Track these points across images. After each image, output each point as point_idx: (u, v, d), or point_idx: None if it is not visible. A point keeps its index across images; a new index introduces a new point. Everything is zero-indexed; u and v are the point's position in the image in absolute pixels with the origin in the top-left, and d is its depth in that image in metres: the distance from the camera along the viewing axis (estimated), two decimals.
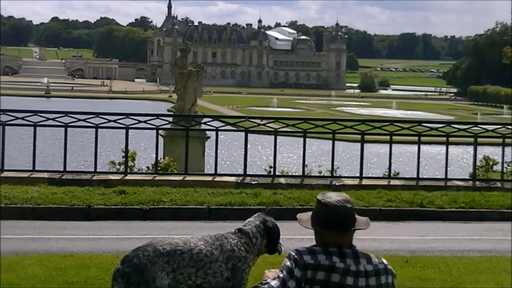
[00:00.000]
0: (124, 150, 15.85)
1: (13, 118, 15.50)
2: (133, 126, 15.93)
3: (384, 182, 15.76)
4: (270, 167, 16.55)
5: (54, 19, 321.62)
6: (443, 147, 17.51)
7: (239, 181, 15.30)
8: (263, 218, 4.67)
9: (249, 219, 4.69)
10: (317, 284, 4.06)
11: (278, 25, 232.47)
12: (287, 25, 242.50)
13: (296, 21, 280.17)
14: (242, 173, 15.90)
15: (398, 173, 17.28)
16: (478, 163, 17.22)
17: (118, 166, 16.12)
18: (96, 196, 13.51)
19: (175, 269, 4.26)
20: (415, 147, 16.76)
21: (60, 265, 9.21)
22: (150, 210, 13.04)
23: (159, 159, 16.56)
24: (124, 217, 12.80)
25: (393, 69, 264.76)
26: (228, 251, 4.38)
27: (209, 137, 21.55)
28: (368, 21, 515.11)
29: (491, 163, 17.28)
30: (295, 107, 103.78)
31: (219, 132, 16.41)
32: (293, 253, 4.09)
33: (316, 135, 21.57)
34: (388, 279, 4.24)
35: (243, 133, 16.71)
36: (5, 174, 14.93)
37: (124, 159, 15.90)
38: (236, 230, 4.58)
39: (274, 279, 4.04)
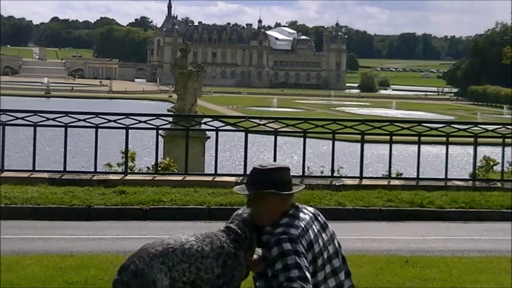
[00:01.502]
0: (123, 151, 15.88)
1: (13, 118, 15.50)
2: (133, 126, 15.94)
3: (384, 182, 15.76)
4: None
5: (54, 19, 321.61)
6: (443, 147, 17.51)
7: (239, 181, 15.29)
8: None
9: (237, 212, 4.59)
10: (313, 243, 4.06)
11: (278, 25, 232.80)
12: (287, 25, 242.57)
13: (296, 21, 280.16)
14: (242, 173, 15.90)
15: (401, 174, 17.26)
16: (478, 163, 17.22)
17: (116, 168, 16.11)
18: (96, 196, 13.51)
19: (171, 267, 4.25)
20: (415, 147, 16.77)
21: (60, 265, 9.21)
22: (150, 210, 13.04)
23: (159, 159, 16.57)
24: (124, 217, 12.80)
25: (393, 69, 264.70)
26: (218, 247, 4.32)
27: (209, 137, 21.54)
28: (367, 21, 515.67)
29: (491, 163, 17.26)
30: (295, 107, 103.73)
31: (219, 132, 16.42)
32: (283, 236, 3.98)
33: (316, 135, 21.56)
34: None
35: (243, 133, 16.72)
36: (5, 174, 14.92)
37: (122, 159, 15.92)
38: (225, 228, 4.54)
39: (287, 269, 3.90)
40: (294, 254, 3.93)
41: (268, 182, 4.15)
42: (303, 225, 4.07)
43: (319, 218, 4.20)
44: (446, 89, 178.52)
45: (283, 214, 4.12)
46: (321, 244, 4.10)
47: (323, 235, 4.14)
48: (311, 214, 4.17)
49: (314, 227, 4.12)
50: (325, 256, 4.10)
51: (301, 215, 4.13)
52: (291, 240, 3.97)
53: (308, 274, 3.90)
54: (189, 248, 4.30)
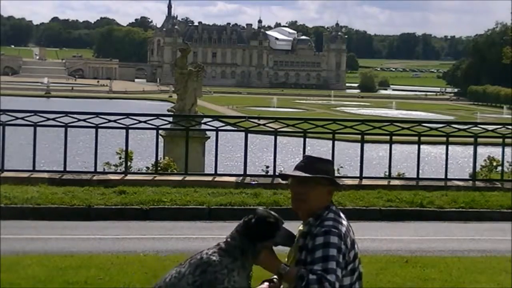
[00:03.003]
0: (120, 151, 15.88)
1: (13, 118, 15.50)
2: (133, 126, 15.94)
3: (384, 182, 15.76)
4: (267, 167, 16.57)
5: (54, 19, 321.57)
6: (443, 147, 17.51)
7: (239, 181, 15.30)
8: (249, 216, 4.28)
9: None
10: (355, 243, 4.12)
11: (278, 25, 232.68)
12: (287, 25, 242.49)
13: (296, 21, 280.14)
14: (242, 173, 15.90)
15: (403, 174, 17.23)
16: (482, 163, 17.21)
17: (114, 167, 16.09)
18: (96, 196, 13.50)
19: None
20: (415, 147, 16.77)
21: (60, 265, 9.21)
22: (150, 210, 13.04)
23: (159, 159, 16.57)
24: (124, 217, 12.80)
25: (393, 69, 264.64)
26: (196, 260, 4.18)
27: (209, 137, 21.55)
28: (367, 21, 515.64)
29: (494, 163, 17.23)
30: (295, 107, 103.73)
31: (219, 132, 16.42)
32: (333, 229, 4.03)
33: (316, 135, 21.58)
34: None
35: (243, 133, 16.72)
36: (5, 174, 14.92)
37: (119, 160, 15.92)
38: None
39: (326, 260, 3.94)
40: (337, 249, 3.98)
41: (323, 170, 4.21)
42: (346, 224, 4.15)
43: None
44: (449, 89, 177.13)
45: (325, 209, 4.16)
46: (357, 245, 4.17)
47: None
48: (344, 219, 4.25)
49: (350, 228, 4.18)
50: (358, 257, 4.16)
51: (342, 215, 4.20)
52: (339, 236, 4.02)
53: (340, 272, 3.96)
54: (170, 279, 4.20)
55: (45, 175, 15.03)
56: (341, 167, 16.95)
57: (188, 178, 15.21)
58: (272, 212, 4.27)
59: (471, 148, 17.19)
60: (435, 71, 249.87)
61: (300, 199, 4.22)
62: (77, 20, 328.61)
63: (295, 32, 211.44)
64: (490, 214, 13.93)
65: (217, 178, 15.44)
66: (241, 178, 15.54)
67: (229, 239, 4.23)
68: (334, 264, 3.92)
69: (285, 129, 16.89)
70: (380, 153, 40.06)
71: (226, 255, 4.16)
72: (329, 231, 4.02)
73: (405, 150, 37.87)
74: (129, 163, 15.96)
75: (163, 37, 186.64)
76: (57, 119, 15.66)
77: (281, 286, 4.31)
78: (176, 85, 23.42)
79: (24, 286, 8.31)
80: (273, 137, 16.37)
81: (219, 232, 12.42)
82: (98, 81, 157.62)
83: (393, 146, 16.80)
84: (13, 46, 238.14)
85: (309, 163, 4.24)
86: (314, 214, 4.16)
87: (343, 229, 4.07)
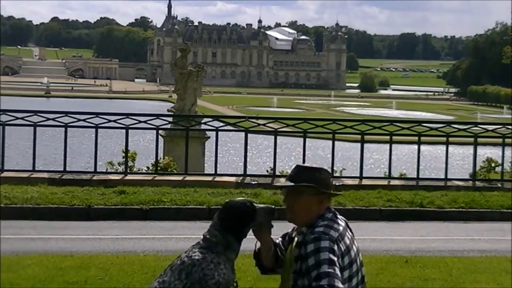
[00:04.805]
0: (124, 150, 15.87)
1: (13, 118, 15.52)
2: (133, 126, 15.94)
3: (384, 182, 15.76)
4: (271, 168, 16.55)
5: (54, 19, 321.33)
6: (443, 147, 17.52)
7: (239, 181, 15.31)
8: (222, 211, 4.29)
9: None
10: (350, 249, 4.09)
11: (278, 25, 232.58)
12: (287, 25, 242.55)
13: (296, 21, 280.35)
14: (242, 173, 15.90)
15: (404, 174, 17.22)
16: (481, 164, 17.22)
17: (117, 167, 16.11)
18: (96, 196, 13.51)
19: None
20: (415, 147, 16.77)
21: (60, 265, 9.22)
22: (150, 210, 13.05)
23: (159, 159, 16.57)
24: (124, 217, 12.81)
25: (393, 69, 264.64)
26: (177, 266, 4.17)
27: (209, 137, 21.55)
28: (367, 21, 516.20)
29: (493, 164, 17.23)
30: (295, 107, 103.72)
31: (219, 132, 16.43)
32: (322, 235, 4.00)
33: (316, 135, 21.57)
34: None
35: (243, 133, 16.72)
36: (5, 174, 14.93)
37: (123, 160, 15.92)
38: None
39: (319, 265, 3.91)
40: (328, 252, 3.95)
41: (309, 179, 4.17)
42: (341, 229, 4.12)
43: (349, 227, 4.24)
44: (452, 89, 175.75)
45: (320, 217, 4.15)
46: (355, 250, 4.16)
47: (355, 243, 4.19)
48: (344, 222, 4.22)
49: (348, 235, 4.17)
50: (358, 263, 4.15)
51: (338, 221, 4.18)
52: (330, 239, 4.00)
53: (338, 271, 3.92)
54: None
55: (45, 175, 15.03)
56: (344, 169, 16.95)
57: (188, 178, 15.22)
58: (241, 199, 4.32)
59: (471, 148, 17.19)
60: (435, 71, 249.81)
61: (289, 210, 4.24)
62: (77, 20, 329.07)
63: (295, 32, 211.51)
64: (490, 214, 13.93)
65: (217, 178, 15.45)
66: (241, 178, 15.54)
67: (208, 236, 4.25)
68: (326, 267, 3.89)
69: (285, 129, 16.90)
70: (380, 153, 40.03)
71: (208, 251, 4.19)
72: (319, 237, 4.00)
73: (405, 150, 37.89)
74: (132, 163, 15.99)
75: (163, 37, 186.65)
76: (57, 119, 15.67)
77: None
78: (176, 85, 23.39)
79: (24, 286, 8.32)
80: (273, 137, 16.37)
81: None
82: (95, 81, 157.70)
83: (393, 146, 16.80)
84: (19, 47, 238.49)
85: (296, 173, 4.23)
86: (308, 223, 4.17)
87: (335, 234, 4.04)
